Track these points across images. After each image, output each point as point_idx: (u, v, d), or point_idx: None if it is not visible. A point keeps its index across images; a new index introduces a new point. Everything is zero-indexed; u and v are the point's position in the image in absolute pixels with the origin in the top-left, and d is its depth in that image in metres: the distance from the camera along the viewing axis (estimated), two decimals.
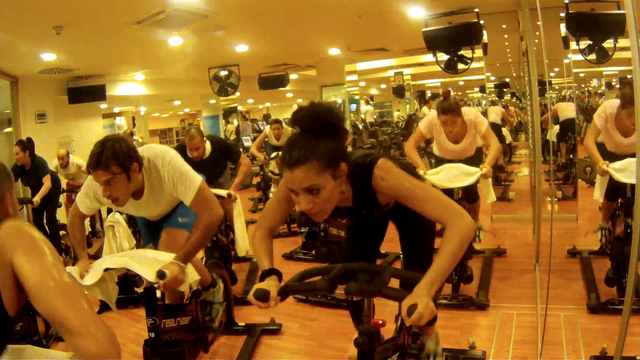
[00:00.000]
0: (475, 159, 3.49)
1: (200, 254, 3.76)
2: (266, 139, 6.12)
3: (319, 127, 1.29)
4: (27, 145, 4.70)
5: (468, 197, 3.53)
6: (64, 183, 5.75)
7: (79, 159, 5.54)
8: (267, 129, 6.09)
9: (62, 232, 4.98)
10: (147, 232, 2.58)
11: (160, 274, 1.84)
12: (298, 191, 1.30)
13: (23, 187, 5.01)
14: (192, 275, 2.03)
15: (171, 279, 1.87)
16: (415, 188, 1.40)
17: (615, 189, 3.05)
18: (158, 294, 2.07)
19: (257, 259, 1.51)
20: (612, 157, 3.03)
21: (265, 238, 1.54)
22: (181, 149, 3.93)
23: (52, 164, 5.53)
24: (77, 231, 2.29)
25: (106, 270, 1.96)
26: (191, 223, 2.45)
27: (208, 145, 3.95)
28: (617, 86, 6.36)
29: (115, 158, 1.91)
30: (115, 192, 1.97)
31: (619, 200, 3.13)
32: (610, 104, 3.09)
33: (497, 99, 7.29)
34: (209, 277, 2.56)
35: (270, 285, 1.34)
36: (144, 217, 2.53)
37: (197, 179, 2.12)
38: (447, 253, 1.27)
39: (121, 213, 3.59)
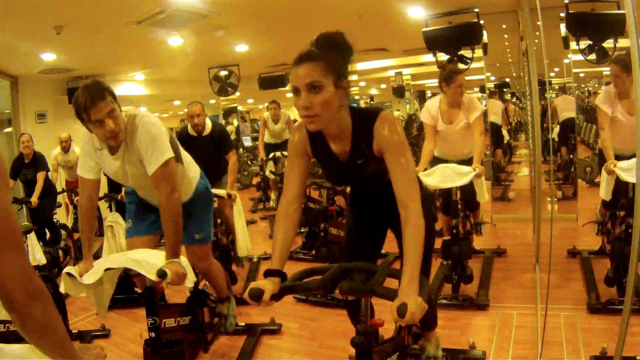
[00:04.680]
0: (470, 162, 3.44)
1: None
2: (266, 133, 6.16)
3: (329, 43, 1.46)
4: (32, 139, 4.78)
5: (468, 205, 3.50)
6: (62, 179, 5.77)
7: (79, 148, 5.58)
8: (265, 114, 6.14)
9: (62, 232, 4.97)
10: (136, 218, 2.44)
11: (161, 274, 1.83)
12: (301, 88, 1.40)
13: (17, 184, 4.95)
14: (190, 270, 2.03)
15: (173, 276, 1.86)
16: (403, 153, 1.45)
17: (617, 196, 3.03)
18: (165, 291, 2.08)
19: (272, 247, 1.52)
20: (617, 160, 2.99)
21: (284, 218, 1.53)
22: (182, 131, 3.97)
23: (52, 155, 5.54)
24: (86, 222, 2.17)
25: (107, 270, 1.95)
26: (208, 235, 2.46)
27: (209, 123, 3.94)
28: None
29: (105, 88, 1.93)
30: (118, 124, 1.95)
31: (621, 201, 3.12)
32: (611, 86, 3.06)
33: (494, 89, 7.21)
34: (227, 291, 2.62)
35: (267, 285, 1.33)
36: (139, 204, 2.44)
37: (168, 152, 2.04)
38: (415, 249, 1.32)
39: (119, 212, 3.60)
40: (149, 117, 2.08)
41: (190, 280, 2.00)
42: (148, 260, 1.93)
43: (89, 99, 1.88)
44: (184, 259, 2.02)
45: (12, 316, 0.85)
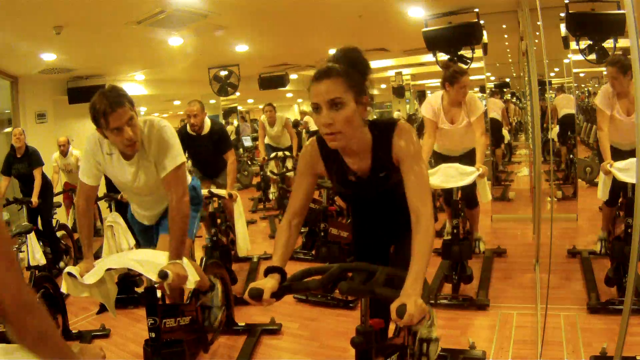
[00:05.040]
0: (472, 159, 3.44)
1: (200, 253, 3.77)
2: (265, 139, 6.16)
3: (347, 59, 1.45)
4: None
5: (467, 202, 3.50)
6: (62, 182, 5.76)
7: (78, 151, 5.56)
8: (262, 117, 6.13)
9: (62, 232, 4.97)
10: (143, 238, 2.56)
11: (163, 275, 1.82)
12: (322, 105, 1.38)
13: (12, 180, 4.89)
14: (191, 272, 2.03)
15: (174, 277, 1.85)
16: (418, 162, 1.46)
17: (616, 194, 3.03)
18: (158, 293, 2.06)
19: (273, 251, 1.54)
20: (616, 154, 3.01)
21: (286, 228, 1.55)
22: (182, 129, 3.97)
23: (52, 158, 5.54)
24: (84, 222, 2.17)
25: (108, 270, 1.95)
26: (191, 231, 2.42)
27: (208, 122, 3.93)
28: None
29: (127, 96, 1.91)
30: (136, 132, 1.95)
31: (620, 201, 3.13)
32: (607, 86, 3.10)
33: (495, 89, 7.19)
34: (207, 281, 2.55)
35: (267, 285, 1.33)
36: (141, 223, 2.50)
37: (181, 157, 2.07)
38: (424, 252, 1.32)
39: (119, 212, 3.60)
40: (163, 121, 2.10)
41: (192, 282, 2.00)
42: (150, 261, 1.93)
43: (108, 105, 1.85)
44: (186, 261, 2.02)
45: (7, 328, 0.86)
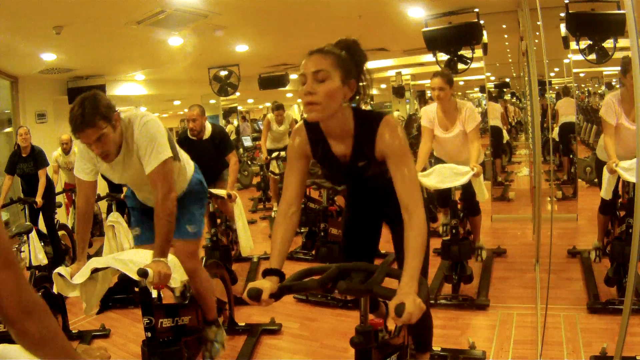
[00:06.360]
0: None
1: (200, 253, 3.77)
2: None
3: (346, 46, 1.53)
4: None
5: (468, 209, 3.49)
6: (62, 181, 5.77)
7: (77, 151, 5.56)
8: (269, 116, 6.13)
9: (62, 232, 4.97)
10: (141, 221, 2.46)
11: (142, 273, 1.79)
12: (307, 75, 1.43)
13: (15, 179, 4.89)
14: (178, 270, 1.99)
15: (155, 276, 1.82)
16: (405, 159, 1.47)
17: (613, 202, 3.03)
18: (154, 293, 2.05)
19: (271, 248, 1.53)
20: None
21: (282, 220, 1.54)
22: (182, 134, 3.95)
23: (53, 156, 5.54)
24: (82, 225, 2.17)
25: (96, 270, 1.94)
26: (199, 230, 2.40)
27: (209, 126, 3.91)
28: (617, 86, 6.36)
29: (99, 112, 1.87)
30: (107, 147, 1.94)
31: (620, 201, 3.12)
32: (613, 95, 3.06)
33: (495, 89, 7.16)
34: (215, 313, 2.47)
35: (265, 285, 1.33)
36: (140, 203, 2.44)
37: (166, 152, 2.02)
38: (417, 248, 1.34)
39: (120, 212, 3.60)
40: (148, 116, 2.06)
41: (177, 280, 1.97)
42: (134, 260, 1.91)
43: (78, 123, 1.85)
44: (171, 258, 1.99)
45: (10, 331, 0.85)
